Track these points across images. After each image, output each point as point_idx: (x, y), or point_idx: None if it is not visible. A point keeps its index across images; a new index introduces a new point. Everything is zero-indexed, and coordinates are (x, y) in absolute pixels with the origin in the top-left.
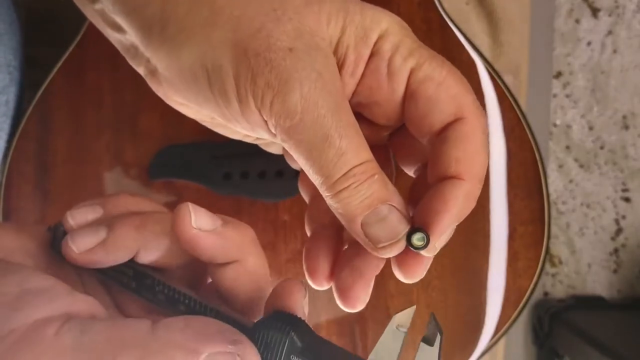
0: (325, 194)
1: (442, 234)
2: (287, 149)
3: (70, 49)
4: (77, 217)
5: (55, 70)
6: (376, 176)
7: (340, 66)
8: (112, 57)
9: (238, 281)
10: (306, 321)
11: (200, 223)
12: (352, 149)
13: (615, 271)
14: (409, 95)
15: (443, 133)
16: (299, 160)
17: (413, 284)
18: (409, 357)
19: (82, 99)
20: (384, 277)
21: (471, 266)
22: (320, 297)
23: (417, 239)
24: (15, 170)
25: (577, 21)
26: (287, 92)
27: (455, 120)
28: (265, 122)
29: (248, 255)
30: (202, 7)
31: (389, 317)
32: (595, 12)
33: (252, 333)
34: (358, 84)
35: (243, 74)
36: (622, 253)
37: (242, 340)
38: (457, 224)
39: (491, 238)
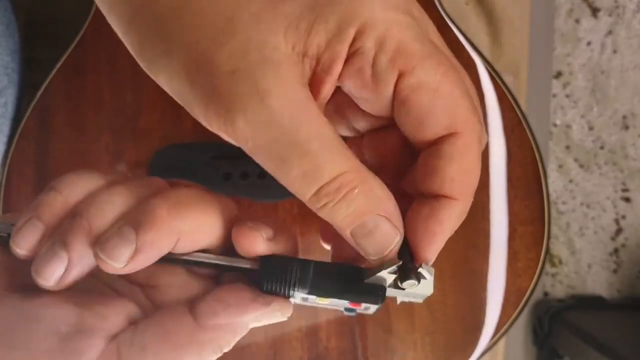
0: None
1: (436, 253)
2: None
3: (70, 49)
4: (21, 243)
5: (54, 71)
6: (356, 190)
7: (316, 67)
8: (112, 58)
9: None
10: (297, 254)
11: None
12: (318, 166)
13: (615, 271)
14: (400, 101)
15: (436, 145)
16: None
17: None
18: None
19: (81, 100)
20: None
21: (471, 266)
22: None
23: (408, 284)
24: (15, 170)
25: (577, 21)
26: (232, 119)
27: (450, 135)
28: None
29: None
30: (160, 41)
31: (389, 318)
32: (595, 12)
33: (261, 282)
34: (343, 81)
35: (197, 101)
36: (622, 253)
37: (272, 299)
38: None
39: (491, 238)
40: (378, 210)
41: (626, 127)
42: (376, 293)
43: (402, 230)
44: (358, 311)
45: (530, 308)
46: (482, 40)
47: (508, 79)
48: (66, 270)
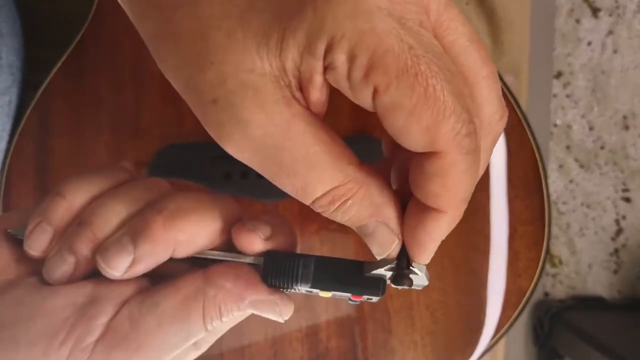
0: None
1: (428, 258)
2: None
3: (70, 49)
4: (34, 246)
5: (54, 70)
6: (349, 202)
7: (299, 77)
8: (112, 58)
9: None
10: (298, 248)
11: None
12: (307, 184)
13: (615, 272)
14: (379, 115)
15: (420, 159)
16: None
17: None
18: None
19: (81, 99)
20: None
21: (471, 266)
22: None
23: (400, 286)
24: (15, 170)
25: (578, 21)
26: (225, 145)
27: (431, 153)
28: None
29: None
30: (159, 62)
31: (389, 318)
32: (595, 12)
33: (264, 278)
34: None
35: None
36: (623, 253)
37: (277, 291)
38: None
39: (491, 238)
40: (376, 217)
41: (626, 127)
42: (377, 286)
43: (399, 236)
44: (362, 300)
45: (530, 308)
46: (482, 40)
47: (508, 79)
48: (73, 271)
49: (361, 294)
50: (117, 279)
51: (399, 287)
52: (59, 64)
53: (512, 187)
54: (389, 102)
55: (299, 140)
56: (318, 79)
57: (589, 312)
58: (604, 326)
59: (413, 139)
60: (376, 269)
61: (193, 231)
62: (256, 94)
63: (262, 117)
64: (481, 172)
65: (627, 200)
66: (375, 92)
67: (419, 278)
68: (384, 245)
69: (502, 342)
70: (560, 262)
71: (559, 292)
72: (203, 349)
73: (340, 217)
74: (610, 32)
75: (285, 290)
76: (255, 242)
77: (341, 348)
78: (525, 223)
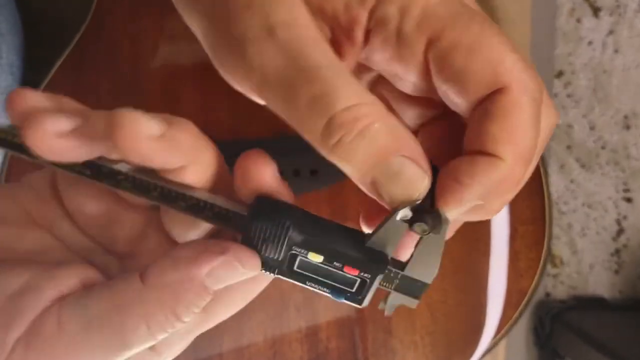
0: (322, 152)
1: (456, 209)
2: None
3: (69, 49)
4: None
5: (54, 70)
6: (376, 124)
7: (335, 29)
8: (111, 57)
9: (199, 183)
10: (296, 205)
11: (151, 131)
12: (329, 91)
13: (616, 272)
14: (434, 70)
15: (482, 105)
16: (285, 119)
17: None
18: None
19: (81, 100)
20: None
21: (472, 266)
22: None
23: (419, 228)
24: (15, 169)
25: (579, 20)
26: (243, 51)
27: (494, 92)
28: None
29: (201, 154)
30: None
31: (389, 319)
32: (596, 11)
33: (249, 224)
34: (371, 57)
35: (215, 38)
36: (624, 254)
37: (228, 246)
38: (494, 209)
39: (492, 238)
40: (403, 150)
41: (628, 127)
42: (379, 257)
43: (430, 172)
44: (349, 294)
45: (531, 308)
46: None
47: None
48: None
49: (360, 265)
50: (62, 267)
51: (416, 231)
52: (58, 64)
53: None
54: (446, 44)
55: (326, 52)
56: (357, 36)
57: (590, 312)
58: (605, 326)
59: (475, 78)
60: (390, 217)
61: (191, 149)
62: (292, 5)
63: (292, 24)
64: (539, 150)
65: (629, 200)
66: (429, 42)
67: (407, 300)
68: (412, 187)
69: (502, 343)
70: (562, 262)
71: (560, 292)
72: (166, 355)
73: (364, 147)
74: (611, 32)
75: (267, 248)
76: (266, 171)
77: (341, 348)
78: (526, 223)
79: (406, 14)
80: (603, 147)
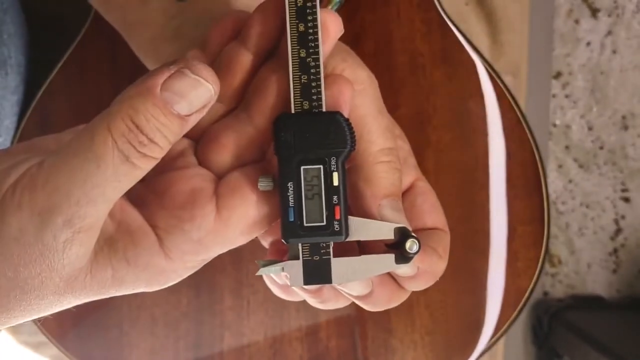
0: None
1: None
2: None
3: (71, 49)
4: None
5: (55, 70)
6: (410, 159)
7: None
8: (113, 58)
9: None
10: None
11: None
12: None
13: (614, 271)
14: None
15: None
16: None
17: None
18: None
19: (82, 100)
20: None
21: (470, 266)
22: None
23: (409, 246)
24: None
25: (577, 22)
26: None
27: None
28: None
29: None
30: None
31: (388, 318)
32: (594, 12)
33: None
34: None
35: None
36: (622, 253)
37: (178, 59)
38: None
39: (490, 238)
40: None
41: (625, 127)
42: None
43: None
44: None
45: (529, 308)
46: (481, 40)
47: (507, 79)
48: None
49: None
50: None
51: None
52: (59, 64)
53: (511, 187)
54: None
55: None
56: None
57: (588, 311)
58: (602, 325)
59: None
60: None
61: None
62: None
63: None
64: None
65: (626, 200)
66: None
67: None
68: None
69: (501, 342)
70: (560, 262)
71: (558, 291)
72: (178, 264)
73: (401, 175)
74: (609, 33)
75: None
76: (349, 89)
77: (341, 347)
78: (524, 223)
79: None
80: (601, 148)
